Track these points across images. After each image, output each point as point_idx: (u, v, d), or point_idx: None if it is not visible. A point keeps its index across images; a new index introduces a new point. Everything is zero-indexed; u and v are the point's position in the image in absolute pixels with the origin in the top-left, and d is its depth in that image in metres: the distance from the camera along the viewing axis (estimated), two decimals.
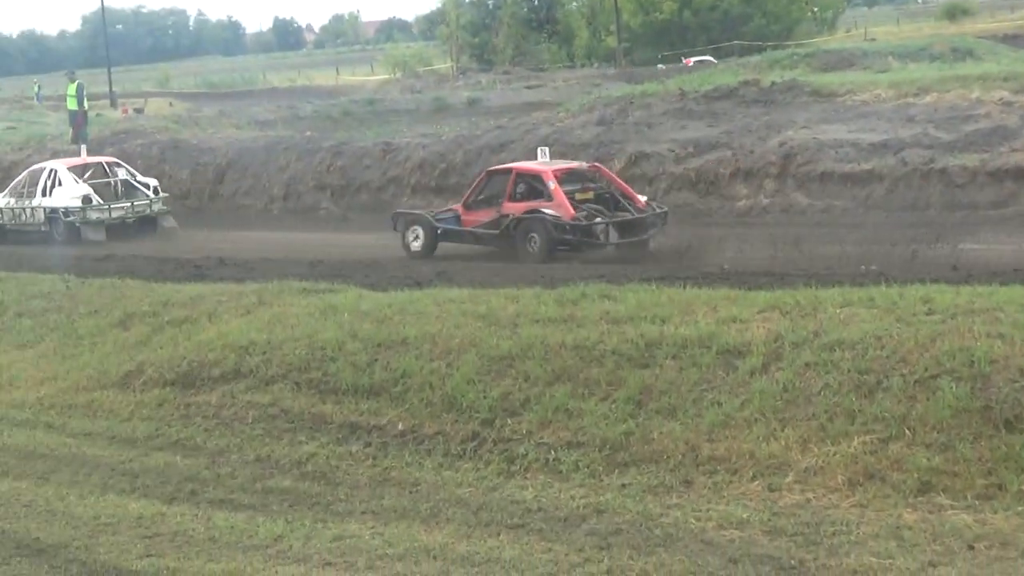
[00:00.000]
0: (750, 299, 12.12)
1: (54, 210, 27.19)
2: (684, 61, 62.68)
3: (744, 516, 8.86)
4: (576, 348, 11.41)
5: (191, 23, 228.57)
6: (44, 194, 27.47)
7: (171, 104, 73.24)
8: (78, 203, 26.90)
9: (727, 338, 10.95)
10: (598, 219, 20.25)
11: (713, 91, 27.85)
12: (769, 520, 8.76)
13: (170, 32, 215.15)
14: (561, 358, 11.34)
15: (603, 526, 9.00)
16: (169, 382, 13.59)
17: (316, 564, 8.94)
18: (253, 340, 13.51)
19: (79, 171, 28.26)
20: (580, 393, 10.86)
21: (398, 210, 23.89)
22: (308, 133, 35.05)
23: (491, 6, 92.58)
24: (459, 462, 10.65)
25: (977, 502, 8.63)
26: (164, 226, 27.57)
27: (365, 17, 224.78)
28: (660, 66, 61.58)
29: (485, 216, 21.35)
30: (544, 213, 20.26)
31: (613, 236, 20.45)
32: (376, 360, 12.33)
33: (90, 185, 27.70)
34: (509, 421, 10.84)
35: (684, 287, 13.06)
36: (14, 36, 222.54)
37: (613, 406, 10.54)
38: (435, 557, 8.80)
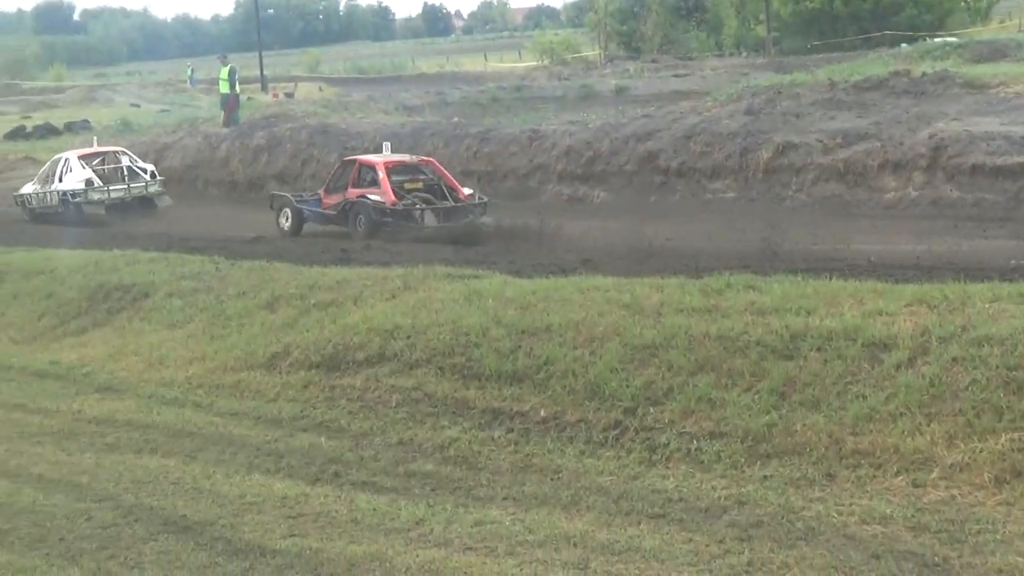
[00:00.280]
0: (897, 292, 11.96)
1: (64, 193, 30.22)
2: None
3: (887, 511, 8.75)
4: (720, 338, 11.34)
5: (341, 8, 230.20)
6: (59, 180, 30.60)
7: (321, 89, 74.08)
8: (82, 186, 30.01)
9: (873, 331, 10.80)
10: (418, 205, 23.00)
11: (863, 81, 27.47)
12: (913, 516, 8.65)
13: (321, 17, 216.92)
14: (704, 348, 11.27)
15: (744, 518, 8.94)
16: (315, 364, 13.73)
17: (457, 549, 8.99)
18: (398, 324, 13.60)
19: (88, 159, 31.31)
20: (723, 383, 10.79)
21: (272, 192, 27.34)
22: (455, 119, 35.19)
23: None
24: (601, 450, 10.64)
25: None
26: (160, 205, 30.60)
27: (513, 4, 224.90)
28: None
29: (336, 200, 24.23)
30: (369, 198, 23.25)
31: (430, 220, 22.87)
32: (520, 346, 12.35)
33: (98, 171, 30.93)
34: (651, 410, 10.81)
35: (830, 279, 12.91)
36: (169, 20, 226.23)
37: (756, 397, 10.46)
38: (575, 545, 8.80)
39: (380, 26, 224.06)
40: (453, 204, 23.33)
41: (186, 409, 13.65)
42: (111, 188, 30.38)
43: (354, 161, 24.94)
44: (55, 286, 19.21)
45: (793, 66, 48.14)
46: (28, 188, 32.15)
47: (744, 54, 73.87)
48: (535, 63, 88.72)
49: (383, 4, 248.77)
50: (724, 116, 26.75)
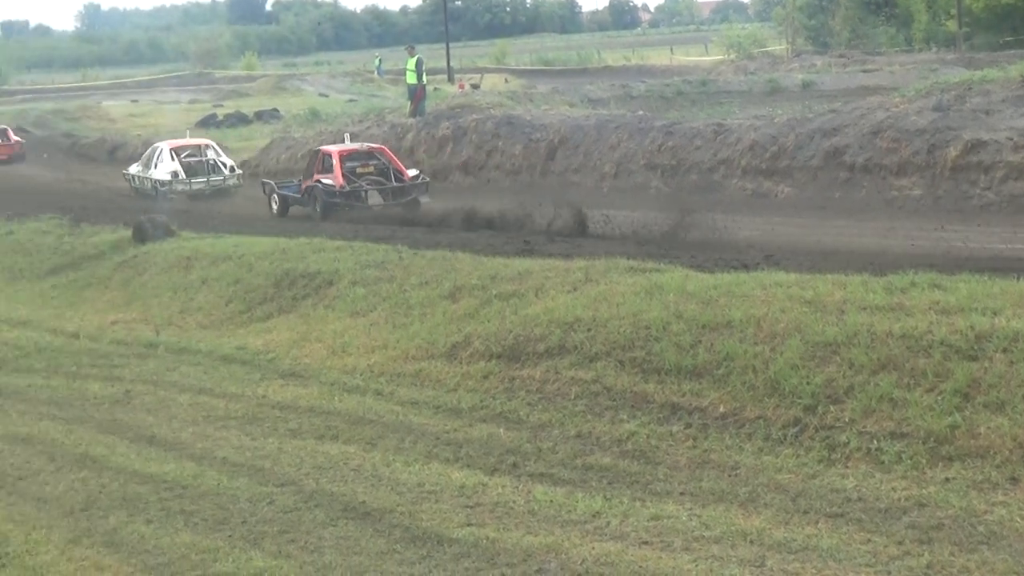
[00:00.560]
0: None
1: (155, 181, 33.42)
2: None
3: None
4: (903, 337, 11.15)
5: (529, 1, 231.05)
6: (153, 167, 33.79)
7: (506, 80, 74.35)
8: (168, 177, 33.10)
9: None
10: (364, 186, 26.67)
11: None
12: None
13: (508, 9, 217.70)
14: (887, 346, 11.10)
15: (924, 520, 8.80)
16: (495, 355, 13.79)
17: (633, 542, 8.99)
18: (579, 317, 13.61)
19: (179, 151, 34.24)
20: (905, 383, 10.61)
21: (262, 180, 31.17)
22: (640, 112, 35.08)
23: None
24: (779, 447, 10.54)
25: None
26: (232, 193, 33.44)
27: None
28: None
29: (306, 185, 27.64)
30: (322, 183, 26.88)
31: (375, 199, 26.57)
32: (700, 341, 12.29)
33: (185, 163, 33.85)
34: (832, 408, 10.67)
35: (1018, 279, 12.64)
36: (358, 11, 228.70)
37: (939, 398, 10.27)
38: (751, 542, 8.75)
39: (567, 19, 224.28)
40: (396, 184, 26.87)
41: (367, 397, 13.81)
42: (193, 181, 33.30)
43: (318, 151, 28.56)
44: (242, 272, 19.55)
45: (984, 62, 47.23)
46: (134, 169, 35.42)
47: (934, 50, 72.40)
48: (721, 57, 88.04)
49: None
50: (912, 112, 26.25)
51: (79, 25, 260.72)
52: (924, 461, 9.71)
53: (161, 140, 37.53)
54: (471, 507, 10.08)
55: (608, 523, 9.41)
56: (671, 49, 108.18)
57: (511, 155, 31.08)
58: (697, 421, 11.32)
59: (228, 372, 15.71)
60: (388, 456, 11.66)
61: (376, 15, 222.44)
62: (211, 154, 34.50)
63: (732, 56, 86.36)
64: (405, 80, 42.82)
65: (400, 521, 9.91)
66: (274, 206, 28.77)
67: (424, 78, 40.95)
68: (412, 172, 27.64)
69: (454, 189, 30.67)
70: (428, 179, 27.81)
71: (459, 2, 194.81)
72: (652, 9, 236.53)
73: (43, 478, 11.91)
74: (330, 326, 16.68)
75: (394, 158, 28.00)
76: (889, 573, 8.11)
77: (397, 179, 27.12)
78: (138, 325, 19.01)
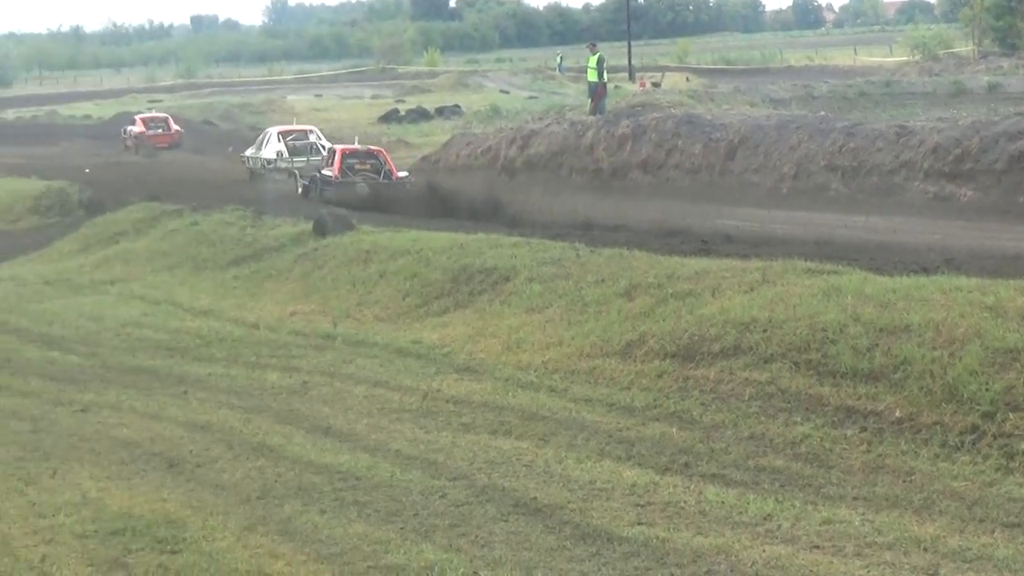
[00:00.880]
0: None
1: (262, 160, 37.74)
2: None
3: None
4: None
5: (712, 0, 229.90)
6: (263, 148, 38.10)
7: (688, 79, 74.12)
8: (273, 156, 37.19)
9: None
10: (353, 178, 31.59)
11: None
12: None
13: (690, 8, 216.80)
14: None
15: None
16: (669, 354, 13.73)
17: (804, 546, 8.91)
18: (754, 317, 13.50)
19: (285, 135, 38.63)
20: None
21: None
22: (821, 113, 34.73)
23: None
24: (956, 454, 10.35)
25: None
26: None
27: None
28: None
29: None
30: (323, 173, 32.29)
31: (362, 189, 31.01)
32: (877, 345, 12.11)
33: (290, 145, 38.10)
34: (1011, 416, 10.45)
35: None
36: (541, 8, 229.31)
37: None
38: (925, 549, 8.62)
39: (750, 18, 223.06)
40: (381, 181, 31.78)
41: (541, 393, 13.85)
42: (295, 160, 37.14)
43: (333, 149, 33.81)
44: (420, 267, 19.70)
45: None
46: (249, 151, 39.70)
47: None
48: (905, 58, 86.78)
49: None
50: None
51: (266, 20, 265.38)
52: None
53: (338, 133, 41.78)
54: (642, 506, 10.06)
55: (779, 526, 9.34)
56: (855, 49, 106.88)
57: (690, 154, 30.89)
58: (872, 425, 11.17)
59: (403, 365, 15.85)
60: (560, 453, 11.68)
61: (559, 12, 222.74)
62: (312, 138, 39.00)
63: (916, 57, 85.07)
64: (586, 78, 42.81)
65: (571, 518, 9.92)
66: (299, 190, 33.79)
67: (605, 76, 40.89)
68: (402, 174, 32.95)
69: (632, 188, 30.61)
70: (412, 179, 32.92)
71: (642, 0, 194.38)
72: (836, 9, 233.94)
73: (221, 465, 12.12)
74: (505, 322, 16.74)
75: (389, 160, 33.29)
76: None
77: (385, 176, 32.05)
78: (316, 317, 19.27)
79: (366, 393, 14.54)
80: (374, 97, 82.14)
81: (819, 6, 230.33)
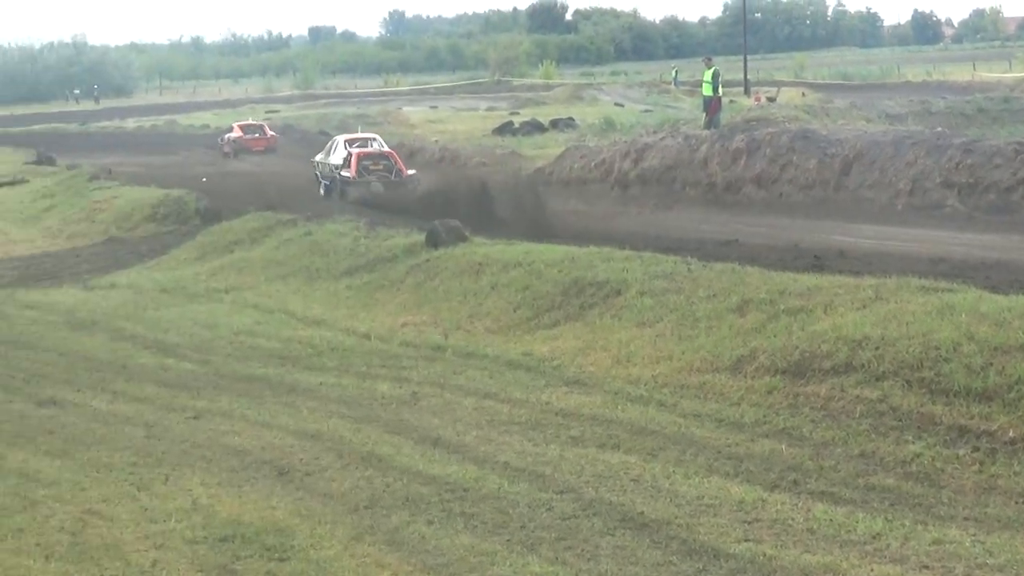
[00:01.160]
0: None
1: (331, 165, 38.79)
2: None
3: None
4: None
5: (829, 14, 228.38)
6: (331, 155, 39.31)
7: (803, 94, 73.62)
8: (340, 162, 38.03)
9: None
10: (368, 178, 35.71)
11: None
12: None
13: (807, 22, 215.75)
14: None
15: None
16: (780, 370, 13.66)
17: (913, 566, 8.83)
18: (867, 335, 13.39)
19: (351, 142, 39.74)
20: None
21: (316, 172, 40.20)
22: (938, 129, 34.32)
23: None
24: None
25: None
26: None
27: (1007, 12, 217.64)
28: None
29: None
30: (341, 174, 36.51)
31: (376, 188, 35.38)
32: (991, 364, 11.96)
33: (355, 150, 39.16)
34: None
35: None
36: (657, 22, 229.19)
37: None
38: None
39: (867, 32, 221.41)
40: (392, 179, 35.88)
41: (650, 407, 13.81)
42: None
43: (349, 152, 37.11)
44: (532, 279, 19.71)
45: None
46: (318, 157, 41.24)
47: None
48: None
49: (871, 10, 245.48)
50: None
51: (383, 31, 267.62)
52: None
53: (452, 145, 42.81)
54: (749, 522, 10.01)
55: (888, 545, 9.25)
56: (973, 65, 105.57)
57: (805, 169, 30.65)
58: (985, 445, 11.04)
59: (513, 377, 15.87)
60: (668, 468, 11.65)
61: (675, 26, 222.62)
62: (376, 145, 40.54)
63: None
64: (701, 92, 42.79)
65: (677, 533, 9.89)
66: (321, 191, 38.26)
67: (720, 90, 40.86)
68: (411, 172, 36.80)
69: (745, 203, 30.44)
70: (420, 178, 36.44)
71: (758, 14, 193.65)
72: (955, 24, 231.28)
73: (330, 474, 12.20)
74: (616, 335, 16.72)
75: (399, 161, 37.36)
76: None
77: (396, 175, 36.10)
78: (427, 328, 19.35)
79: (475, 405, 14.58)
80: (489, 109, 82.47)
81: (938, 21, 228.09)
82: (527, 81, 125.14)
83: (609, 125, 54.88)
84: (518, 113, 73.28)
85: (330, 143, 41.75)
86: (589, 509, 10.61)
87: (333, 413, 14.60)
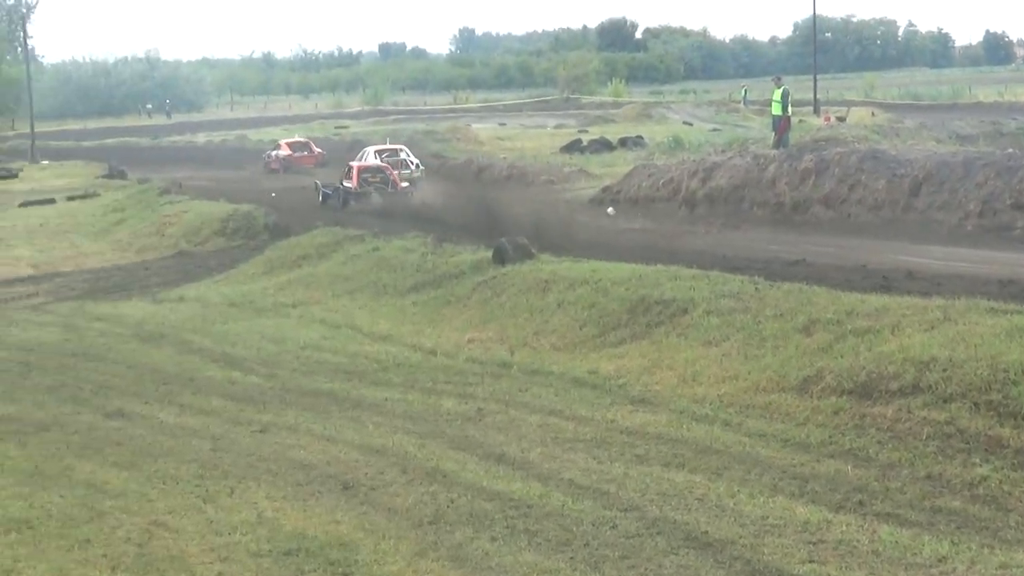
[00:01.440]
0: None
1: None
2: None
3: None
4: None
5: (900, 34, 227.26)
6: (361, 163, 43.51)
7: (873, 114, 73.23)
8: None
9: None
10: (368, 190, 39.46)
11: None
12: None
13: (878, 42, 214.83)
14: None
15: None
16: (846, 391, 13.59)
17: None
18: (934, 356, 13.30)
19: (380, 152, 46.36)
20: None
21: (315, 180, 44.46)
22: (1009, 150, 34.06)
23: None
24: None
25: None
26: (420, 184, 42.74)
27: None
28: None
29: None
30: (343, 185, 40.49)
31: (376, 199, 38.82)
32: None
33: (384, 159, 44.95)
34: None
35: None
36: (727, 41, 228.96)
37: None
38: None
39: (938, 53, 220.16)
40: (392, 189, 39.99)
41: (715, 427, 13.77)
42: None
43: (350, 166, 41.95)
44: (598, 297, 19.70)
45: None
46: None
47: None
48: None
49: (943, 31, 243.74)
50: None
51: (453, 48, 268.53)
52: None
53: (520, 162, 45.20)
54: (814, 544, 9.96)
55: (954, 568, 9.20)
56: None
57: (874, 190, 30.47)
58: None
59: (579, 395, 15.87)
60: (733, 487, 11.61)
61: (745, 45, 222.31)
62: (403, 155, 46.80)
63: None
64: (770, 111, 42.62)
65: (741, 553, 9.87)
66: (319, 197, 41.48)
67: (789, 110, 40.67)
68: (404, 184, 41.45)
69: (813, 223, 30.29)
70: (413, 190, 40.89)
71: (829, 34, 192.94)
72: None
73: (394, 490, 12.24)
74: (682, 354, 16.69)
75: (394, 174, 41.72)
76: None
77: (392, 187, 40.27)
78: (493, 345, 19.38)
79: (540, 422, 14.58)
80: (557, 127, 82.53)
81: (1010, 42, 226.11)
82: (596, 99, 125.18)
83: (677, 144, 54.74)
84: (586, 131, 73.29)
85: (360, 153, 47.61)
86: (653, 528, 10.60)
87: (398, 428, 14.65)
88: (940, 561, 9.37)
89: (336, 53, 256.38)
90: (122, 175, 55.72)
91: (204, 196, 43.09)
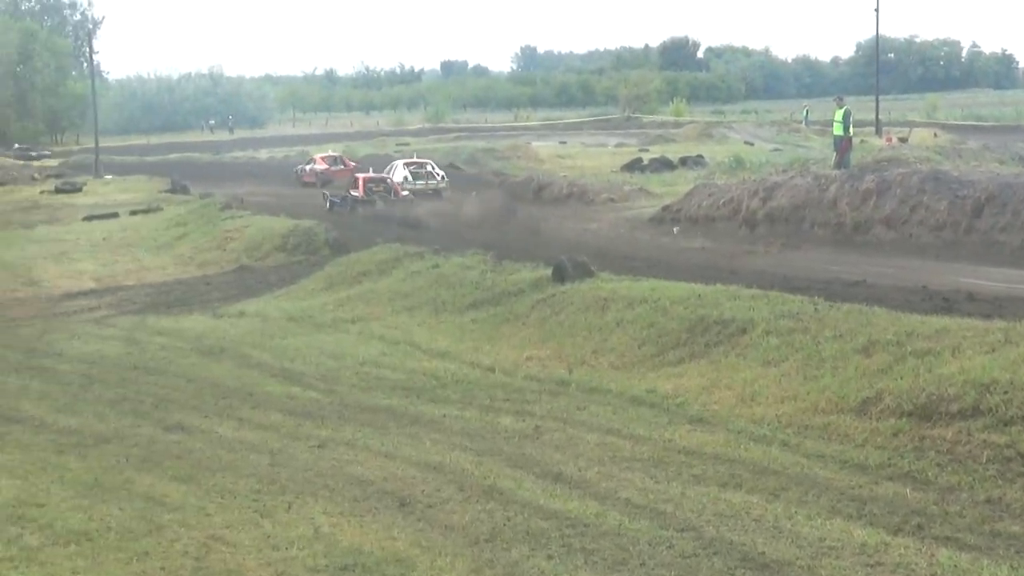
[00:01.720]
0: None
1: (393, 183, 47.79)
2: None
3: None
4: None
5: (963, 55, 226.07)
6: (391, 175, 49.00)
7: (935, 135, 72.89)
8: (401, 179, 48.55)
9: None
10: (374, 197, 44.77)
11: None
12: None
13: (941, 63, 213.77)
14: None
15: None
16: (906, 413, 13.51)
17: None
18: (995, 379, 13.20)
19: (408, 165, 50.80)
20: None
21: (323, 190, 50.38)
22: None
23: None
24: None
25: None
26: (443, 195, 48.18)
27: None
28: None
29: None
30: (350, 193, 45.51)
31: (380, 206, 43.56)
32: None
33: (413, 171, 50.14)
34: None
35: None
36: (789, 61, 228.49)
37: None
38: None
39: (1001, 74, 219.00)
40: (394, 197, 45.42)
41: (773, 447, 13.72)
42: (416, 183, 49.25)
43: (356, 176, 48.15)
44: (657, 316, 19.67)
45: None
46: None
47: None
48: None
49: (1007, 52, 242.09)
50: None
51: (515, 66, 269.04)
52: None
53: (581, 180, 46.56)
54: (871, 566, 9.92)
55: None
56: None
57: (935, 211, 30.33)
58: None
59: (636, 414, 15.84)
60: (790, 508, 11.56)
61: (807, 65, 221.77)
62: (429, 168, 51.06)
63: None
64: (832, 131, 42.52)
65: (798, 575, 9.82)
66: (327, 204, 45.64)
67: (851, 130, 40.56)
68: (404, 193, 46.81)
69: (874, 243, 30.17)
70: (412, 198, 46.47)
71: (891, 55, 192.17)
72: None
73: (451, 507, 12.26)
74: (740, 374, 16.64)
75: (395, 185, 47.35)
76: None
77: (394, 194, 45.87)
78: (551, 362, 19.38)
79: (598, 440, 14.56)
80: (618, 146, 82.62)
81: None
82: (657, 118, 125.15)
83: (738, 163, 54.67)
84: (647, 150, 73.30)
85: (390, 166, 51.92)
86: (710, 548, 10.57)
87: (456, 445, 14.66)
88: None
89: (398, 70, 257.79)
90: (184, 190, 56.12)
91: (265, 211, 43.31)
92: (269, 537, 11.50)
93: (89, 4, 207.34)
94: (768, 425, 14.53)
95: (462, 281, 25.55)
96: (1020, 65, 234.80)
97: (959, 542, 10.37)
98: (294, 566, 10.66)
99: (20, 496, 13.15)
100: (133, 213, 49.53)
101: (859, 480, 12.26)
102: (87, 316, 27.81)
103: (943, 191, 30.77)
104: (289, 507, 12.45)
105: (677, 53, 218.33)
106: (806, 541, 10.61)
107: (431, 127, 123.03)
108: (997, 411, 12.64)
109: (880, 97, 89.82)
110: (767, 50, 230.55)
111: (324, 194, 48.17)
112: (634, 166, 60.61)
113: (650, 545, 10.73)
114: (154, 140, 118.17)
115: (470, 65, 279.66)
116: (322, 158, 64.27)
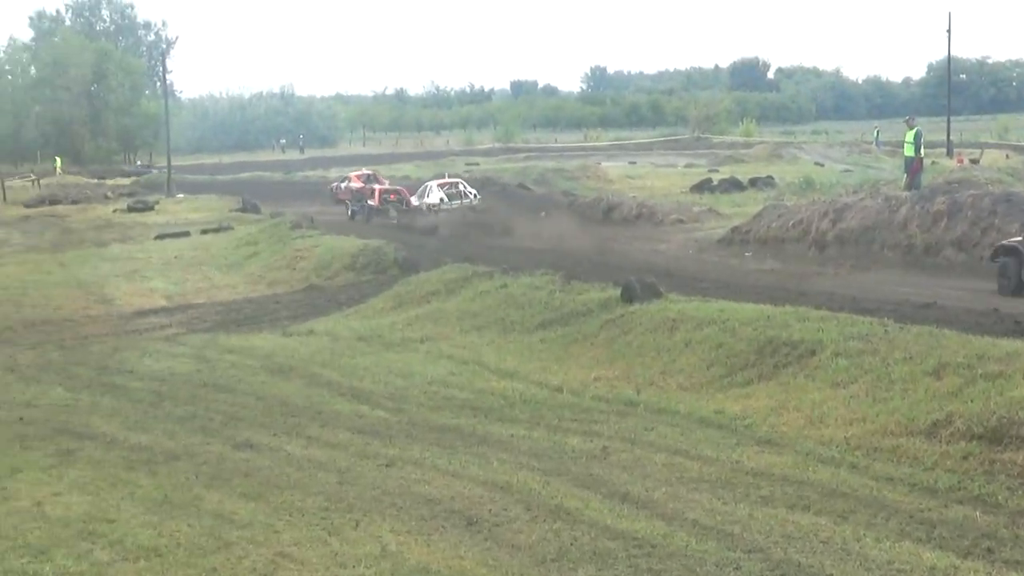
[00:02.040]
0: None
1: (428, 204, 50.46)
2: None
3: None
4: None
5: None
6: (427, 197, 50.98)
7: (1007, 156, 72.35)
8: (436, 201, 50.33)
9: None
10: (388, 207, 50.57)
11: None
12: None
13: (1014, 84, 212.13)
14: None
15: None
16: (976, 436, 13.43)
17: None
18: None
19: (442, 186, 52.02)
20: None
21: (347, 200, 57.40)
22: None
23: None
24: None
25: None
26: (477, 210, 49.83)
27: None
28: None
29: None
30: (368, 204, 51.60)
31: (393, 214, 49.85)
32: None
33: (447, 192, 51.40)
34: None
35: None
36: (859, 81, 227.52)
37: None
38: None
39: None
40: (405, 208, 50.60)
41: (842, 469, 13.66)
42: (452, 202, 50.44)
43: (373, 188, 54.47)
44: (726, 337, 19.63)
45: None
46: (414, 200, 51.59)
47: None
48: None
49: None
50: None
51: (584, 87, 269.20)
52: None
53: (650, 200, 46.43)
54: None
55: None
56: None
57: (1007, 233, 30.10)
58: None
59: (704, 435, 15.80)
60: (859, 531, 11.51)
61: (877, 86, 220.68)
62: (461, 187, 52.69)
63: None
64: (902, 152, 42.25)
65: None
66: (348, 213, 52.18)
67: (922, 151, 40.30)
68: (415, 203, 50.71)
69: (945, 266, 30.01)
70: (424, 207, 49.95)
71: (963, 76, 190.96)
72: None
73: (518, 526, 12.27)
74: (809, 396, 16.58)
75: (407, 195, 52.02)
76: None
77: (407, 205, 50.81)
78: (619, 383, 19.36)
79: (666, 461, 14.54)
80: (687, 166, 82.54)
81: None
82: (727, 138, 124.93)
83: (808, 184, 54.50)
84: (717, 170, 73.22)
85: (423, 187, 53.24)
86: (777, 570, 10.54)
87: (523, 465, 14.67)
88: None
89: (468, 90, 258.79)
90: (255, 209, 56.62)
91: (334, 231, 43.61)
92: (336, 555, 11.55)
93: (163, 25, 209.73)
94: (836, 447, 14.47)
95: (530, 301, 25.57)
96: None
97: None
98: None
99: (91, 512, 13.28)
100: (204, 232, 49.97)
101: (928, 503, 12.19)
102: (158, 334, 28.03)
103: (1015, 213, 30.57)
104: (356, 525, 12.50)
105: (747, 73, 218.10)
106: (875, 564, 10.56)
107: (501, 147, 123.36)
108: None
109: (951, 118, 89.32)
110: (838, 71, 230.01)
111: (346, 203, 54.48)
112: (703, 187, 60.56)
113: (717, 567, 10.71)
114: (225, 159, 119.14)
115: (540, 85, 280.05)
116: (357, 176, 66.32)
